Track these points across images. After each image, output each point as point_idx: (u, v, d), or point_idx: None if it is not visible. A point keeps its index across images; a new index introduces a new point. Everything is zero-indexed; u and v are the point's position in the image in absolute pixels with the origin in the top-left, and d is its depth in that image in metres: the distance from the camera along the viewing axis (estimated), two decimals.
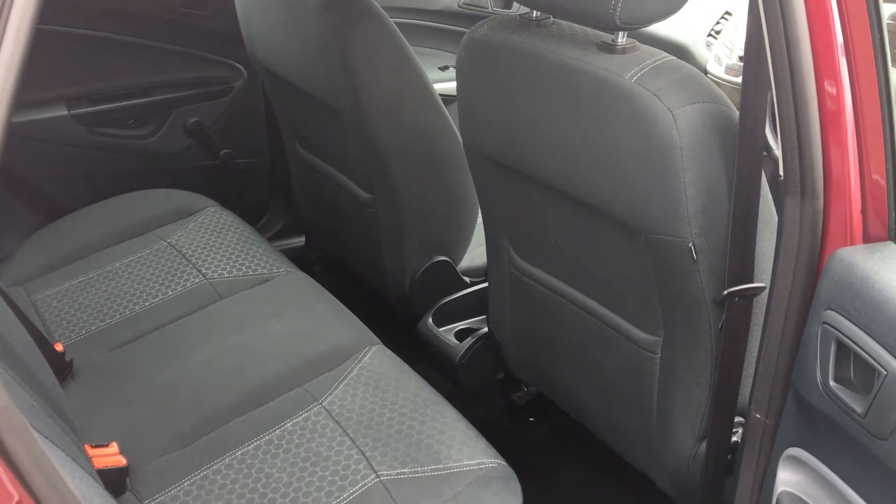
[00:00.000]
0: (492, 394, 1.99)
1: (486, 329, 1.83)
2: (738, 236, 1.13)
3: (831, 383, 0.81)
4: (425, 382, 1.47)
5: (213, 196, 2.06)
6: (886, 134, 0.86)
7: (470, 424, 1.37)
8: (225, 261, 1.81)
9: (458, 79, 1.45)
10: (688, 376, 1.30)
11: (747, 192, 1.11)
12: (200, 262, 1.80)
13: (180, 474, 1.30)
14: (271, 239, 2.38)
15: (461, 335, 1.90)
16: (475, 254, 1.99)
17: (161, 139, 2.18)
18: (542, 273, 1.54)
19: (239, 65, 2.20)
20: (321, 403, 1.41)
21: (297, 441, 1.34)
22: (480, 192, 1.59)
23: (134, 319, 1.67)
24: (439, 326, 1.93)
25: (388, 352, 1.54)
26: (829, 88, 0.94)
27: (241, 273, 1.78)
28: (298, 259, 2.16)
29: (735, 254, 1.15)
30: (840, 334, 0.80)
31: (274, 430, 1.36)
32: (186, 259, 1.81)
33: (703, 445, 1.33)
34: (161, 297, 1.72)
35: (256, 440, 1.35)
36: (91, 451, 1.27)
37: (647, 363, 1.36)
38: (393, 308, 2.02)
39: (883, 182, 0.86)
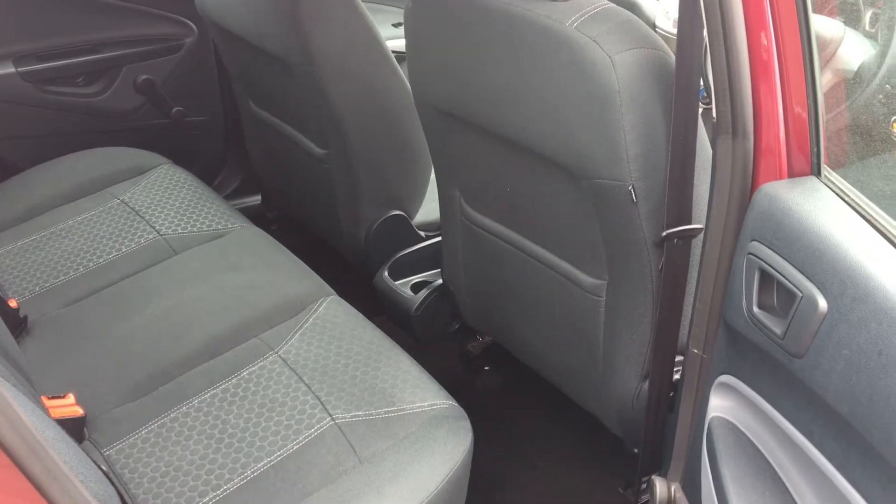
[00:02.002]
0: (448, 345, 2.03)
1: (440, 281, 1.87)
2: (676, 179, 1.17)
3: (755, 309, 0.86)
4: (380, 331, 1.50)
5: (166, 155, 2.05)
6: (808, 78, 0.90)
7: (423, 369, 1.41)
8: (179, 217, 1.81)
9: (406, 30, 1.46)
10: (631, 317, 1.35)
11: (684, 136, 1.14)
12: (154, 219, 1.80)
13: (137, 423, 1.32)
14: (227, 197, 2.38)
15: (417, 288, 1.93)
16: (430, 208, 2.02)
17: (111, 97, 2.16)
18: (492, 222, 1.57)
19: (189, 21, 2.18)
20: (277, 352, 1.43)
21: (253, 388, 1.37)
22: (431, 143, 1.61)
23: (88, 276, 1.68)
24: (395, 280, 1.96)
25: (343, 302, 1.57)
26: (758, 35, 0.98)
27: (195, 229, 1.78)
28: (255, 217, 2.16)
29: (673, 196, 1.19)
30: (763, 263, 0.84)
31: (230, 379, 1.39)
32: (140, 216, 1.82)
33: (647, 384, 1.38)
34: (115, 253, 1.73)
35: (213, 389, 1.37)
36: (48, 402, 1.29)
37: (592, 306, 1.41)
38: (350, 263, 2.05)
39: (805, 122, 0.90)
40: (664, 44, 1.17)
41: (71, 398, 1.32)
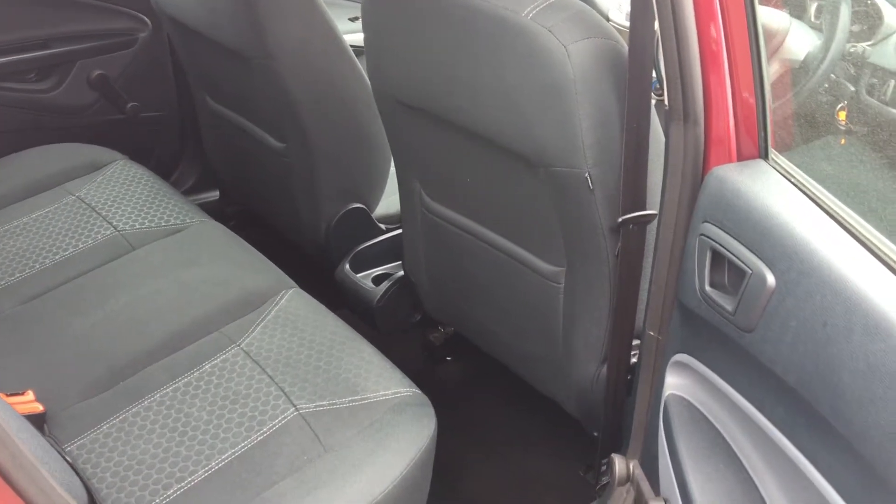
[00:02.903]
0: (410, 336, 2.05)
1: (402, 273, 1.88)
2: (631, 166, 1.20)
3: (707, 288, 0.89)
4: (342, 321, 1.51)
5: (122, 151, 2.03)
6: (755, 66, 0.93)
7: (385, 358, 1.42)
8: (136, 213, 1.80)
9: (364, 22, 1.47)
10: (589, 303, 1.38)
11: (638, 124, 1.17)
12: (111, 215, 1.79)
13: (99, 418, 1.31)
14: (185, 193, 2.35)
15: (378, 280, 1.94)
16: (390, 201, 2.03)
17: (65, 93, 2.13)
18: (452, 213, 1.59)
19: (143, 16, 2.16)
20: (239, 345, 1.43)
21: (216, 381, 1.37)
22: (391, 135, 1.62)
23: (45, 273, 1.65)
24: (357, 272, 1.97)
25: (305, 294, 1.57)
26: (707, 26, 1.01)
27: (153, 224, 1.77)
28: (214, 213, 2.15)
29: (628, 183, 1.22)
30: (714, 243, 0.87)
31: (192, 373, 1.38)
32: (96, 212, 1.80)
33: (605, 368, 1.41)
34: (72, 250, 1.71)
35: (175, 383, 1.37)
36: (7, 400, 1.27)
37: (551, 293, 1.43)
38: (311, 257, 2.05)
39: (752, 108, 0.94)
40: (618, 34, 1.20)
41: (30, 395, 1.31)
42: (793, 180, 0.84)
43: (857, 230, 0.72)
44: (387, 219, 2.04)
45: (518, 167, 1.33)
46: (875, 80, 1.78)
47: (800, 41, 1.77)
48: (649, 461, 1.07)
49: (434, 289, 1.78)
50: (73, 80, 2.13)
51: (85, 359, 1.44)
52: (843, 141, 1.65)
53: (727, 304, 0.84)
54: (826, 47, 1.69)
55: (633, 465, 1.13)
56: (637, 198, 1.23)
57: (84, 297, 1.58)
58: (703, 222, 0.90)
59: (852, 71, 1.79)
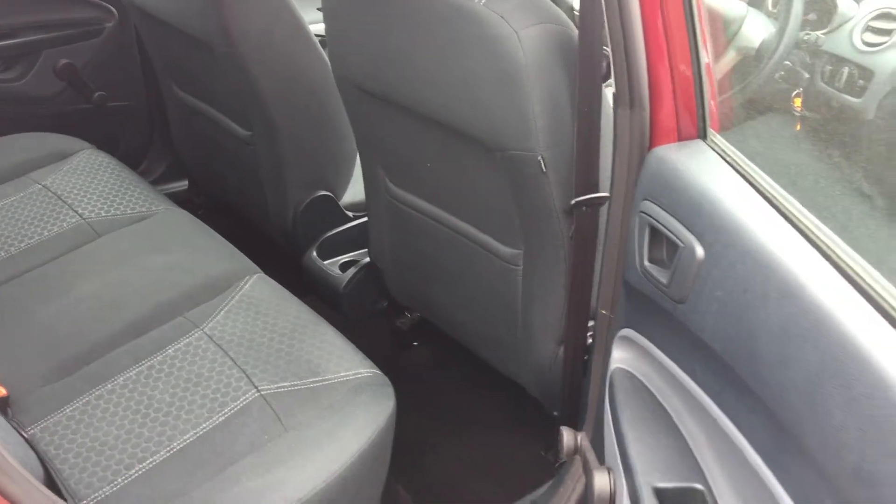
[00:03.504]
0: (378, 322, 2.07)
1: (368, 259, 1.90)
2: (583, 149, 1.23)
3: (646, 263, 0.92)
4: (305, 306, 1.53)
5: (89, 140, 2.03)
6: (693, 52, 0.96)
7: (347, 340, 1.44)
8: (102, 201, 1.81)
9: (325, 8, 1.49)
10: (546, 285, 1.41)
11: (589, 108, 1.20)
12: (77, 203, 1.79)
13: (62, 402, 1.33)
14: (154, 183, 2.36)
15: (345, 267, 1.97)
16: (357, 189, 2.05)
17: (31, 82, 2.13)
18: (415, 199, 1.61)
19: (109, 5, 2.17)
20: (202, 329, 1.45)
21: (178, 365, 1.38)
22: (354, 122, 1.64)
23: (10, 261, 1.66)
24: (324, 259, 1.99)
25: (269, 279, 1.59)
26: (651, 13, 1.03)
27: (118, 212, 1.78)
28: (182, 202, 2.16)
29: (581, 166, 1.24)
30: (652, 220, 0.90)
31: (155, 357, 1.40)
32: (62, 200, 1.80)
33: (563, 348, 1.44)
34: (37, 237, 1.71)
35: (138, 366, 1.38)
36: None
37: (510, 276, 1.46)
38: (279, 244, 2.07)
39: (691, 92, 0.97)
40: (569, 20, 1.22)
41: None
42: (727, 159, 0.88)
43: (781, 204, 0.76)
44: (354, 206, 2.06)
45: (476, 152, 1.35)
46: (830, 68, 1.82)
47: (756, 29, 1.80)
48: (597, 433, 1.10)
49: (399, 274, 1.80)
50: (40, 70, 2.13)
51: (49, 344, 1.45)
52: (798, 126, 1.69)
53: (663, 277, 0.87)
54: (780, 35, 1.73)
55: (581, 438, 1.16)
56: (589, 180, 1.26)
57: (49, 284, 1.59)
58: (644, 200, 0.93)
59: (808, 59, 1.83)
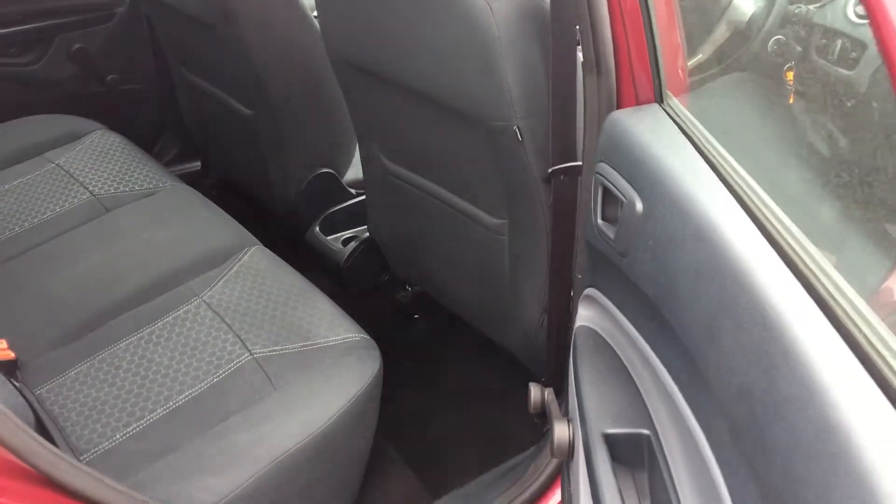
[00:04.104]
0: (380, 296, 2.13)
1: (368, 234, 1.96)
2: (559, 118, 1.26)
3: (599, 222, 0.96)
4: (300, 275, 1.59)
5: (103, 122, 2.10)
6: (645, 21, 0.99)
7: (338, 307, 1.50)
8: (112, 178, 1.88)
9: None
10: (529, 253, 1.45)
11: (564, 77, 1.23)
12: (88, 181, 1.87)
13: (67, 365, 1.40)
14: (167, 164, 2.44)
15: (347, 242, 2.02)
16: (360, 166, 2.10)
17: (45, 66, 2.21)
18: (408, 173, 1.66)
19: None
20: (201, 297, 1.51)
21: (177, 331, 1.45)
22: (348, 99, 1.69)
23: (22, 236, 1.74)
24: (327, 235, 2.05)
25: (267, 251, 1.65)
26: None
27: (127, 189, 1.85)
28: (196, 182, 2.23)
29: (557, 134, 1.28)
30: (605, 179, 0.94)
31: (156, 323, 1.47)
32: (74, 178, 1.88)
33: (547, 316, 1.48)
34: (49, 213, 1.79)
35: (139, 332, 1.45)
36: None
37: (497, 245, 1.51)
38: (285, 221, 2.13)
39: (646, 58, 1.00)
40: None
41: (3, 343, 1.40)
42: (677, 120, 0.91)
43: (715, 159, 0.79)
44: (357, 183, 2.11)
45: (459, 124, 1.39)
46: (825, 41, 1.83)
47: (747, 2, 1.82)
48: (562, 388, 1.14)
49: (396, 248, 1.86)
50: (54, 54, 2.21)
51: (57, 312, 1.52)
52: (791, 100, 1.71)
53: (611, 233, 0.91)
54: (769, 8, 1.75)
55: (547, 392, 1.21)
56: (566, 149, 1.30)
57: (58, 257, 1.66)
58: (599, 162, 0.97)
59: (801, 32, 1.84)
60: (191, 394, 1.33)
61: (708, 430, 0.68)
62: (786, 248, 0.64)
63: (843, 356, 0.54)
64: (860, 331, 0.55)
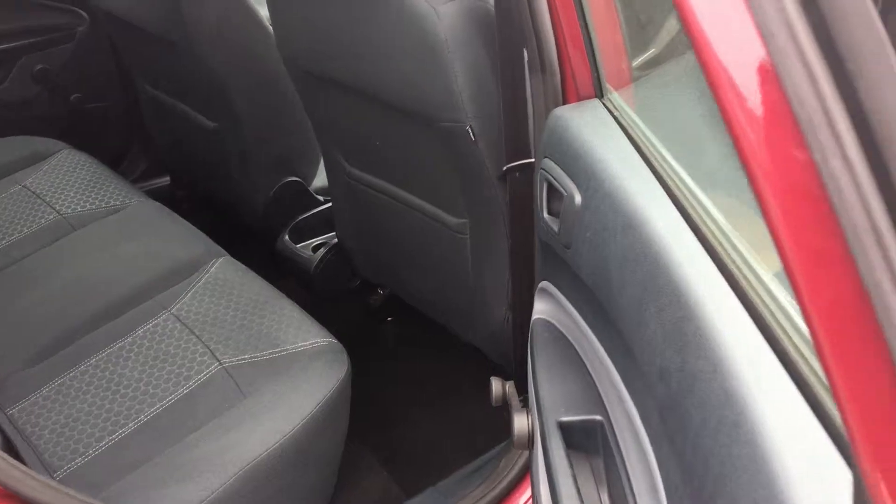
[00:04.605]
0: (352, 301, 2.14)
1: (336, 240, 1.98)
2: (510, 116, 1.28)
3: (545, 216, 0.99)
4: (268, 283, 1.60)
5: (69, 142, 2.11)
6: (580, 19, 1.02)
7: (305, 313, 1.52)
8: (79, 197, 1.89)
9: None
10: (491, 250, 1.47)
11: (512, 76, 1.26)
12: (54, 200, 1.88)
13: (39, 383, 1.41)
14: (136, 180, 2.45)
15: (317, 249, 2.04)
16: None
17: (9, 88, 2.21)
18: (370, 177, 1.68)
19: (80, 10, 2.25)
20: (170, 311, 1.53)
21: (147, 344, 1.47)
22: (307, 107, 1.71)
23: None
24: (297, 243, 2.07)
25: (234, 261, 1.67)
26: None
27: (93, 206, 1.87)
28: (166, 198, 2.24)
29: (509, 133, 1.30)
30: (548, 175, 0.97)
31: (126, 338, 1.48)
32: (41, 199, 1.89)
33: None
34: (17, 235, 1.80)
35: (109, 348, 1.47)
36: None
37: (459, 245, 1.53)
38: (254, 231, 2.15)
39: (584, 54, 1.03)
40: None
41: None
42: (614, 114, 0.94)
43: (648, 150, 0.82)
44: (325, 190, 2.12)
45: (414, 127, 1.42)
46: None
47: None
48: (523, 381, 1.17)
49: (364, 252, 1.88)
50: (17, 76, 2.21)
51: (27, 332, 1.53)
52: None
53: (555, 226, 0.94)
54: None
55: (508, 386, 1.23)
56: (519, 146, 1.32)
57: (27, 277, 1.67)
58: (544, 158, 1.00)
59: None
60: (162, 406, 1.35)
61: (642, 409, 0.71)
62: (706, 232, 0.66)
63: (747, 330, 0.57)
64: (767, 307, 0.58)
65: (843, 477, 0.47)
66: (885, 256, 0.42)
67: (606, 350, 0.81)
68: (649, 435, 0.69)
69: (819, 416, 0.51)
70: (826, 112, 0.43)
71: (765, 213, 0.48)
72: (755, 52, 0.48)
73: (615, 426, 0.88)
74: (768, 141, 0.48)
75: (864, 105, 0.42)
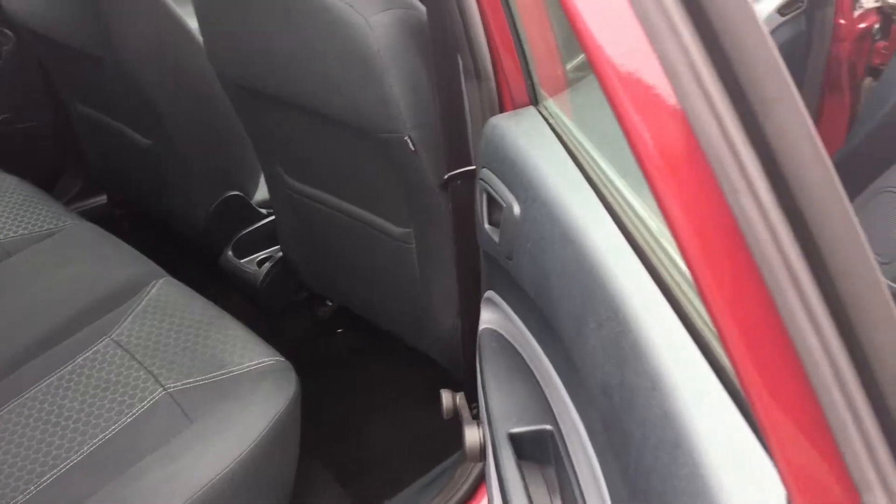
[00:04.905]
0: (300, 313, 2.12)
1: (281, 254, 1.95)
2: (448, 125, 1.27)
3: (486, 227, 0.98)
4: (211, 303, 1.57)
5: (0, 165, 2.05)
6: (511, 26, 1.01)
7: (251, 332, 1.49)
8: (10, 222, 1.83)
9: (195, 6, 1.51)
10: (437, 259, 1.46)
11: (448, 84, 1.25)
12: None
13: None
14: (72, 200, 2.38)
15: (262, 263, 2.01)
16: None
17: None
18: (312, 190, 1.66)
19: (6, 29, 2.17)
20: (110, 336, 1.49)
21: (87, 373, 1.42)
22: (243, 121, 1.68)
23: None
24: (241, 258, 2.03)
25: (175, 282, 1.63)
26: None
27: (26, 231, 1.81)
28: (103, 217, 2.19)
29: (449, 141, 1.29)
30: (487, 185, 0.96)
31: (65, 367, 1.44)
32: None
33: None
34: None
35: (48, 378, 1.42)
36: None
37: (405, 255, 1.52)
38: (197, 248, 2.10)
39: (516, 62, 1.02)
40: (418, 3, 1.27)
41: None
42: (550, 122, 0.93)
43: (582, 157, 0.81)
44: (267, 203, 2.09)
45: (352, 138, 1.40)
46: None
47: None
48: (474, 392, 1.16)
49: (310, 265, 1.85)
50: None
51: None
52: None
53: (496, 237, 0.93)
54: None
55: (459, 397, 1.22)
56: (460, 154, 1.31)
57: None
58: (482, 168, 0.99)
59: None
60: (104, 437, 1.31)
61: (587, 421, 0.70)
62: (641, 242, 0.66)
63: (685, 346, 0.57)
64: (701, 318, 0.58)
65: (781, 496, 0.47)
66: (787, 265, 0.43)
67: (551, 361, 0.81)
68: (595, 447, 0.68)
69: (756, 430, 0.51)
70: (735, 153, 0.44)
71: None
72: (664, 91, 0.48)
73: (565, 436, 0.87)
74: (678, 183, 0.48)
75: (771, 145, 0.43)
